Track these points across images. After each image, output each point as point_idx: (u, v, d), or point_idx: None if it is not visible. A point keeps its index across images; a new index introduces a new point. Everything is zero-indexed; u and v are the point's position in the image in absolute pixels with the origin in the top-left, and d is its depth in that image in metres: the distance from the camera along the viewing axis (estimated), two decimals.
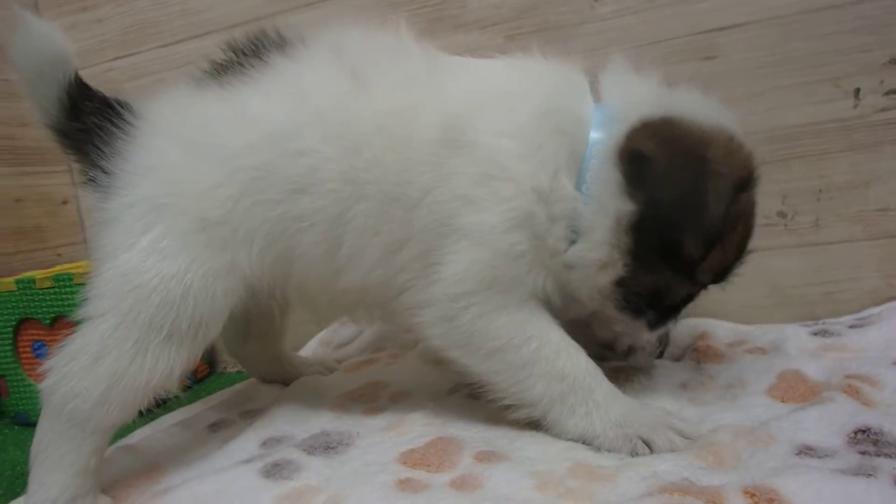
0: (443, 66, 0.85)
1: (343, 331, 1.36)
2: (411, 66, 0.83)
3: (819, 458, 0.66)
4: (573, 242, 0.79)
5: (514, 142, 0.77)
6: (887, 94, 1.07)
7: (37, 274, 1.26)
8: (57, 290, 1.20)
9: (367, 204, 0.80)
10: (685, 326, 1.07)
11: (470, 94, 0.81)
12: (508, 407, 0.81)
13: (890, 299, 1.09)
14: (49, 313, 1.21)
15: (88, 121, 0.85)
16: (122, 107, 0.86)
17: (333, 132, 0.80)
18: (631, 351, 0.90)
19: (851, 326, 1.02)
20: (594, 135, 0.79)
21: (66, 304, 1.20)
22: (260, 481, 0.75)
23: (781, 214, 1.12)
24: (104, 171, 0.83)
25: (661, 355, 0.92)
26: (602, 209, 0.77)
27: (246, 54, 0.86)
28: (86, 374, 0.76)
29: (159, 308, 0.78)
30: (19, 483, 0.90)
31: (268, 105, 0.82)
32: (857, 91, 1.08)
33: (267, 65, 0.84)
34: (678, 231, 0.74)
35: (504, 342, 0.78)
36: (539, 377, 0.78)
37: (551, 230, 0.78)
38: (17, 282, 1.22)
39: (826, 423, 0.71)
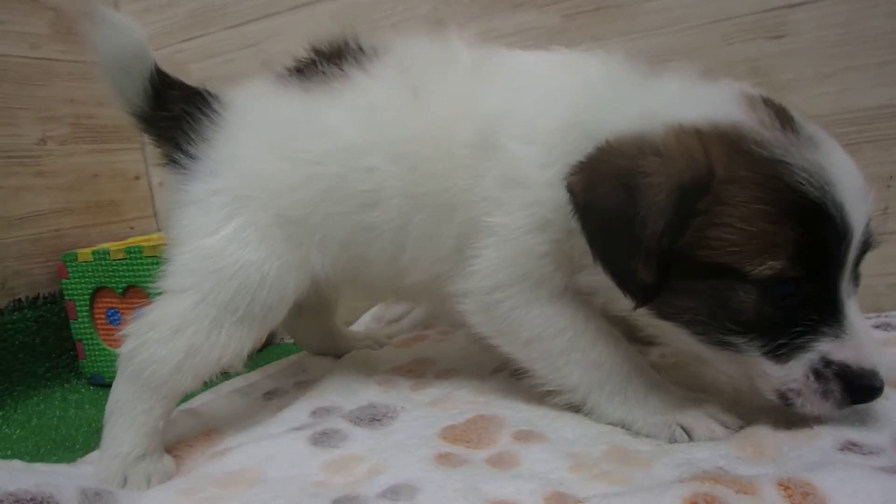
0: (487, 67, 0.87)
1: (395, 307, 1.42)
2: (457, 75, 0.86)
3: (863, 454, 0.66)
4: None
5: (536, 149, 0.79)
6: None
7: (111, 246, 1.37)
8: (129, 261, 1.30)
9: (423, 214, 0.85)
10: None
11: (506, 96, 0.83)
12: (549, 392, 0.84)
13: None
14: (122, 283, 1.31)
15: (175, 108, 0.92)
16: (211, 95, 0.93)
17: (395, 150, 0.85)
18: (784, 398, 0.70)
19: None
20: None
21: (137, 274, 1.30)
22: (309, 448, 0.81)
23: None
24: (189, 156, 0.90)
25: (853, 392, 0.67)
26: None
27: (328, 60, 0.91)
28: (165, 344, 0.84)
29: (237, 291, 0.85)
30: (94, 439, 0.96)
31: (343, 118, 0.87)
32: None
33: (345, 75, 0.89)
34: (621, 258, 0.69)
35: (538, 332, 0.82)
36: (576, 365, 0.81)
37: (570, 241, 0.78)
38: (94, 253, 1.33)
39: (875, 420, 0.70)
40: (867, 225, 0.69)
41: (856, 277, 0.71)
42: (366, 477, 0.74)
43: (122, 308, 1.33)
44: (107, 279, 1.33)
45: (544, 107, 0.80)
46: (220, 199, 0.88)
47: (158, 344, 0.84)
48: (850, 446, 0.67)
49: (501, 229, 0.80)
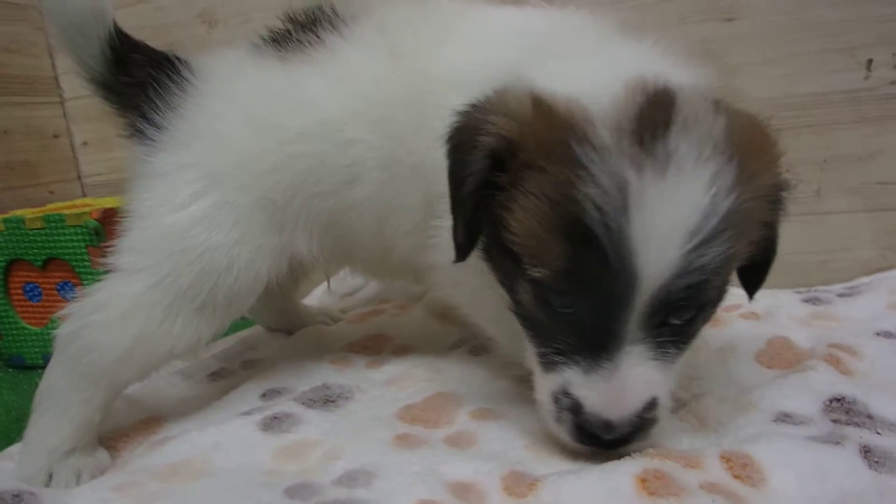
0: (457, 24, 0.83)
1: (349, 280, 1.40)
2: (430, 32, 0.82)
3: (795, 424, 0.72)
4: None
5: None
6: None
7: (27, 213, 1.26)
8: (48, 231, 1.20)
9: (397, 184, 0.82)
10: None
11: (457, 56, 0.79)
12: (510, 364, 0.85)
13: (882, 270, 1.15)
14: (41, 255, 1.22)
15: (139, 73, 0.85)
16: (181, 62, 0.86)
17: (373, 116, 0.81)
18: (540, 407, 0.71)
19: (841, 295, 1.09)
20: None
21: (58, 245, 1.21)
22: (259, 434, 0.79)
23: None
24: (155, 126, 0.83)
25: (578, 437, 0.66)
26: None
27: (303, 28, 0.86)
28: (111, 329, 0.77)
29: (199, 276, 0.79)
30: (14, 428, 0.90)
31: (321, 89, 0.82)
32: (870, 62, 1.09)
33: (322, 43, 0.84)
34: (452, 211, 0.69)
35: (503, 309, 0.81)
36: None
37: None
38: (5, 221, 1.22)
39: (805, 391, 0.77)
40: (674, 278, 0.59)
41: (679, 322, 0.64)
42: (320, 463, 0.73)
43: (43, 283, 1.25)
44: (23, 251, 1.23)
45: (480, 68, 0.76)
46: (190, 173, 0.82)
47: (103, 328, 0.77)
48: (784, 417, 0.74)
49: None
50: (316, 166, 0.83)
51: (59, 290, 1.24)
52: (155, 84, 0.85)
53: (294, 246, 0.86)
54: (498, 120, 0.64)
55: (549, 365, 0.67)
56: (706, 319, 0.69)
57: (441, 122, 0.71)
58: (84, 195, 1.59)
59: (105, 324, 0.78)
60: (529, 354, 0.72)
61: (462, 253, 0.70)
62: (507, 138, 0.64)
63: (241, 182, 0.82)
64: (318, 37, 0.85)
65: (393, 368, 0.97)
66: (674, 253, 0.58)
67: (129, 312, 0.78)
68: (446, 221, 0.72)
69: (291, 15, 0.89)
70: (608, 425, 0.64)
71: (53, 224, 1.21)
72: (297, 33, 0.86)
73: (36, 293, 1.26)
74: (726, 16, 1.13)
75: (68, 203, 1.42)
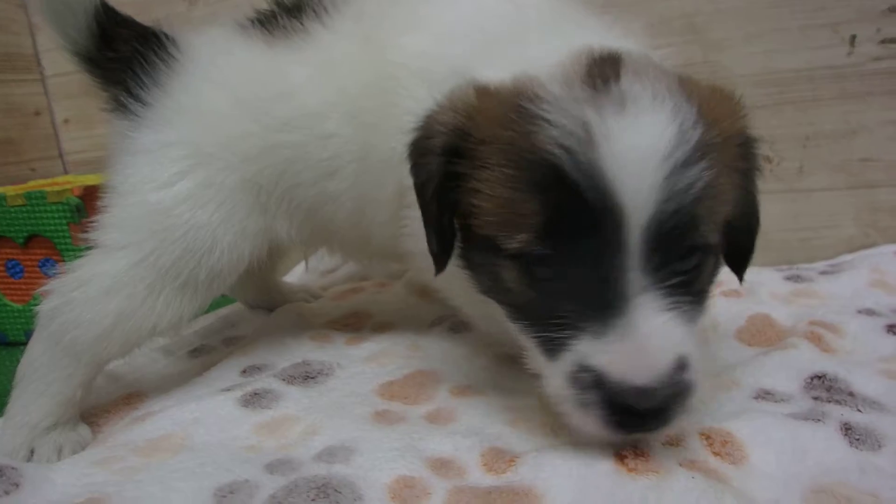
0: (424, 10, 0.81)
1: (329, 258, 1.36)
2: (402, 17, 0.80)
3: (775, 402, 0.70)
4: None
5: (429, 99, 0.69)
6: (883, 42, 1.07)
7: (8, 191, 1.22)
8: (30, 208, 1.18)
9: (372, 175, 0.80)
10: None
11: (420, 42, 0.76)
12: (490, 342, 0.84)
13: (864, 248, 1.13)
14: (22, 232, 1.19)
15: (125, 48, 0.83)
16: (168, 38, 0.83)
17: (350, 108, 0.79)
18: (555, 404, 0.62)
19: (823, 273, 1.06)
20: None
21: (39, 222, 1.18)
22: (239, 410, 0.77)
23: (767, 159, 1.13)
24: (141, 102, 0.81)
25: (612, 420, 0.56)
26: None
27: (289, 13, 0.83)
28: (93, 306, 0.75)
29: (182, 255, 0.78)
30: None
31: (304, 79, 0.80)
32: (853, 38, 1.07)
33: (306, 31, 0.81)
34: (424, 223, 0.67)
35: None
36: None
37: None
38: None
39: (786, 368, 0.75)
40: (660, 203, 0.54)
41: (683, 269, 0.57)
42: (300, 439, 0.72)
43: (24, 260, 1.22)
44: (4, 228, 1.20)
45: (438, 58, 0.74)
46: (176, 151, 0.79)
47: (85, 305, 0.75)
48: (764, 394, 0.72)
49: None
50: (297, 157, 0.81)
51: (41, 267, 1.21)
52: (141, 59, 0.82)
53: (275, 230, 0.84)
54: (445, 118, 0.63)
55: (553, 349, 0.57)
56: (711, 273, 0.63)
57: (405, 113, 0.70)
58: (66, 172, 1.56)
59: (87, 300, 0.76)
60: (530, 352, 0.63)
61: (439, 263, 0.67)
62: (457, 128, 0.62)
63: (227, 163, 0.80)
64: (301, 24, 0.82)
65: (373, 345, 0.95)
66: (651, 177, 0.54)
67: (111, 289, 0.76)
68: (415, 212, 0.70)
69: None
70: (641, 391, 0.53)
71: (35, 201, 1.17)
72: (282, 17, 0.83)
73: (18, 270, 1.23)
74: None
75: (50, 180, 1.38)
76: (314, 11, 0.82)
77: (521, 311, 0.62)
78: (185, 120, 0.80)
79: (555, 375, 0.58)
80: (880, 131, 1.11)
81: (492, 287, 0.64)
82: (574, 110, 0.56)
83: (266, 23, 0.84)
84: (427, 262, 0.69)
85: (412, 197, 0.69)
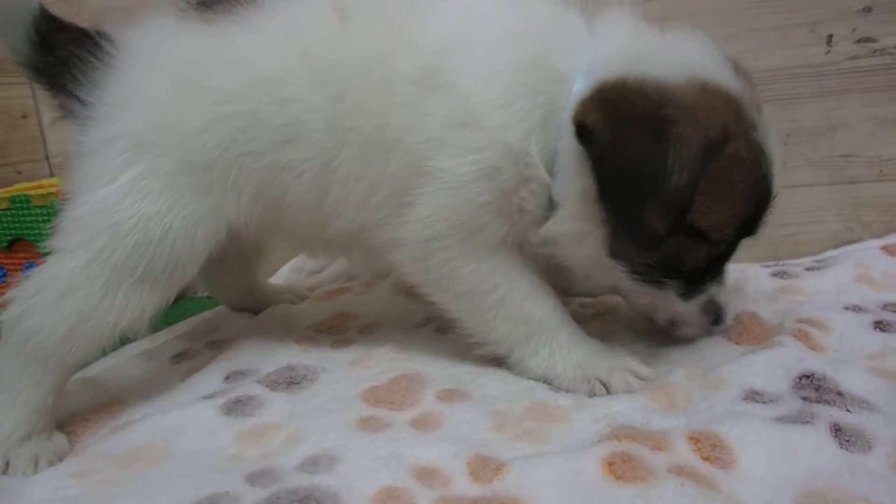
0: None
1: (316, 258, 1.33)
2: (394, 3, 0.78)
3: (764, 403, 0.67)
4: (550, 209, 0.75)
5: (491, 89, 0.71)
6: (859, 41, 1.06)
7: None
8: (14, 211, 1.14)
9: (350, 151, 0.77)
10: None
11: (453, 32, 0.75)
12: (475, 343, 0.81)
13: (849, 243, 1.10)
14: (6, 235, 1.16)
15: (62, 52, 0.79)
16: (101, 37, 0.80)
17: (319, 78, 0.75)
18: (673, 325, 0.80)
19: (809, 269, 1.03)
20: (572, 100, 0.71)
21: (23, 226, 1.15)
22: (221, 418, 0.74)
23: None
24: (82, 103, 0.78)
25: (716, 322, 0.80)
26: (569, 181, 0.72)
27: None
28: (52, 310, 0.73)
29: (135, 248, 0.75)
30: None
31: (255, 47, 0.76)
32: (830, 37, 1.06)
33: (255, 2, 0.78)
34: (638, 200, 0.66)
35: (471, 287, 0.78)
36: (504, 319, 0.78)
37: (519, 190, 0.74)
38: None
39: (774, 367, 0.72)
40: None
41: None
42: (283, 447, 0.68)
43: (8, 264, 1.18)
44: None
45: (498, 46, 0.73)
46: (117, 145, 0.76)
47: (45, 310, 0.73)
48: (753, 395, 0.69)
49: (444, 175, 0.73)
50: (248, 125, 0.77)
51: (24, 271, 1.15)
52: (77, 61, 0.78)
53: (223, 209, 0.80)
54: (699, 112, 0.66)
55: (690, 294, 0.77)
56: None
57: (442, 101, 0.71)
58: (52, 174, 1.52)
59: (46, 305, 0.73)
60: (657, 297, 0.77)
61: (656, 244, 0.69)
62: (718, 130, 0.66)
63: (165, 146, 0.77)
64: None
65: (358, 348, 0.91)
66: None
67: (68, 291, 0.74)
68: (428, 195, 0.73)
69: None
70: (727, 314, 0.81)
71: (19, 205, 1.14)
72: None
73: (1, 274, 1.18)
74: None
75: (35, 183, 1.34)
76: None
77: (682, 274, 0.75)
78: (124, 112, 0.77)
79: (690, 306, 0.78)
80: (860, 127, 1.09)
81: (667, 258, 0.72)
82: (768, 140, 0.70)
83: (207, 3, 0.81)
84: (418, 252, 0.77)
85: (433, 185, 0.73)
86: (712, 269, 0.76)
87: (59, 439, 0.76)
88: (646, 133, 0.65)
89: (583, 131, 0.68)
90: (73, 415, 0.81)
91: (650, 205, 0.65)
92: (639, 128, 0.66)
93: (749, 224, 0.72)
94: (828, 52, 1.07)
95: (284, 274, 1.31)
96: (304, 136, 0.76)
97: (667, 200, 0.65)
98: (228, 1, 0.79)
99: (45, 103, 1.48)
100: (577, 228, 0.73)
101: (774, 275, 1.02)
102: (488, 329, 0.79)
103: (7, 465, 0.71)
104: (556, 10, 0.77)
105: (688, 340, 0.82)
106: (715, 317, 0.79)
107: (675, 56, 0.70)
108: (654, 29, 0.76)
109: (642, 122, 0.65)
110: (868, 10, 1.04)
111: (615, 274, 0.75)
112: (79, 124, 0.78)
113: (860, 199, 1.11)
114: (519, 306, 0.78)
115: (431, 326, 0.95)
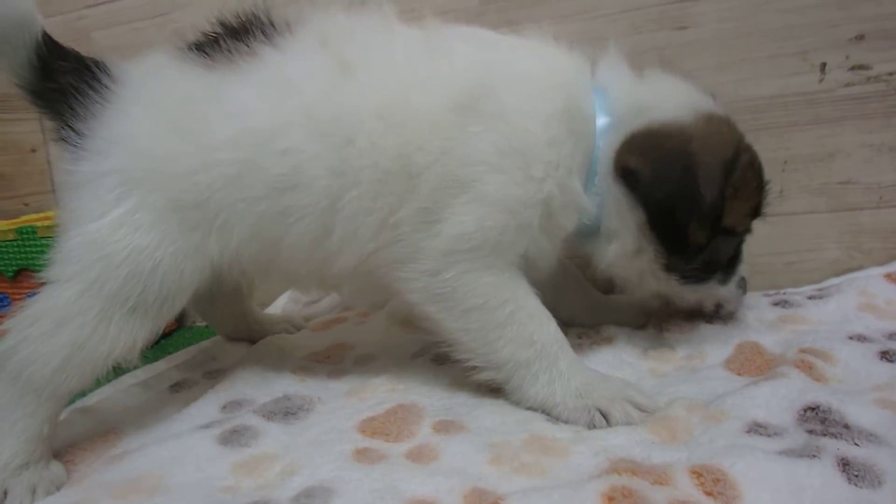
0: (443, 38, 0.82)
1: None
2: (403, 44, 0.80)
3: (768, 436, 0.64)
4: (587, 228, 0.84)
5: (542, 129, 0.76)
6: (852, 69, 1.05)
7: (1, 225, 1.19)
8: (20, 242, 1.14)
9: (361, 188, 0.76)
10: None
11: (487, 67, 0.79)
12: (472, 369, 0.79)
13: (850, 271, 1.08)
14: (12, 266, 1.15)
15: (62, 80, 0.80)
16: (100, 69, 0.80)
17: (320, 129, 0.76)
18: (718, 308, 0.92)
19: (811, 297, 1.00)
20: (600, 142, 0.82)
21: (29, 257, 1.14)
22: (217, 448, 0.72)
23: None
24: (78, 133, 0.78)
25: (744, 292, 0.94)
26: (619, 216, 0.82)
27: (235, 36, 0.80)
28: (46, 340, 0.73)
29: (126, 280, 0.75)
30: None
31: (252, 99, 0.77)
32: (824, 65, 1.05)
33: (254, 53, 0.78)
34: (682, 223, 0.79)
35: (482, 301, 0.77)
36: (508, 340, 0.77)
37: (562, 212, 0.80)
38: None
39: (777, 399, 0.69)
40: None
41: None
42: (278, 479, 0.66)
43: (13, 293, 1.17)
44: None
45: (538, 89, 0.78)
46: (111, 180, 0.77)
47: (39, 340, 0.73)
48: (756, 427, 0.66)
49: (498, 198, 0.75)
50: (242, 173, 0.77)
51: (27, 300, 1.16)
52: (75, 91, 0.79)
53: (207, 248, 0.79)
54: (712, 141, 0.80)
55: (726, 279, 0.89)
56: None
57: (486, 129, 0.75)
58: (58, 206, 1.52)
59: (40, 335, 0.73)
60: (703, 291, 0.88)
61: (698, 253, 0.82)
62: (730, 150, 0.80)
63: (155, 184, 0.77)
64: (248, 45, 0.79)
65: (354, 378, 0.89)
66: None
67: (62, 321, 0.73)
68: (468, 213, 0.75)
69: (222, 19, 0.82)
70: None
71: (26, 236, 1.14)
72: (226, 40, 0.80)
73: (6, 303, 1.18)
74: (678, 24, 1.09)
75: (41, 214, 1.35)
76: (263, 34, 0.80)
77: (721, 266, 0.87)
78: (117, 147, 0.78)
79: (728, 286, 0.90)
80: (857, 154, 1.08)
81: (710, 258, 0.84)
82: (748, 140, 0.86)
83: (208, 46, 0.81)
84: (433, 263, 0.77)
85: (476, 205, 0.75)
86: (738, 252, 0.89)
87: (57, 468, 0.75)
88: (678, 167, 0.78)
89: (626, 173, 0.80)
90: (72, 444, 0.80)
91: (692, 226, 0.79)
92: (672, 164, 0.79)
93: (758, 208, 0.85)
94: (821, 80, 1.06)
95: (281, 304, 1.30)
96: (306, 184, 0.76)
97: (703, 217, 0.78)
98: (226, 47, 0.79)
99: (53, 138, 1.51)
100: (633, 250, 0.83)
101: (776, 304, 0.99)
102: (491, 350, 0.77)
103: (5, 494, 0.71)
104: (570, 54, 0.84)
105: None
106: (743, 287, 0.92)
107: (677, 98, 0.83)
108: (637, 72, 0.87)
109: (674, 159, 0.78)
110: (861, 37, 1.03)
111: (667, 281, 0.85)
112: (72, 153, 0.78)
113: (860, 227, 1.09)
114: (525, 325, 0.77)
115: (427, 357, 0.93)
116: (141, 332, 0.77)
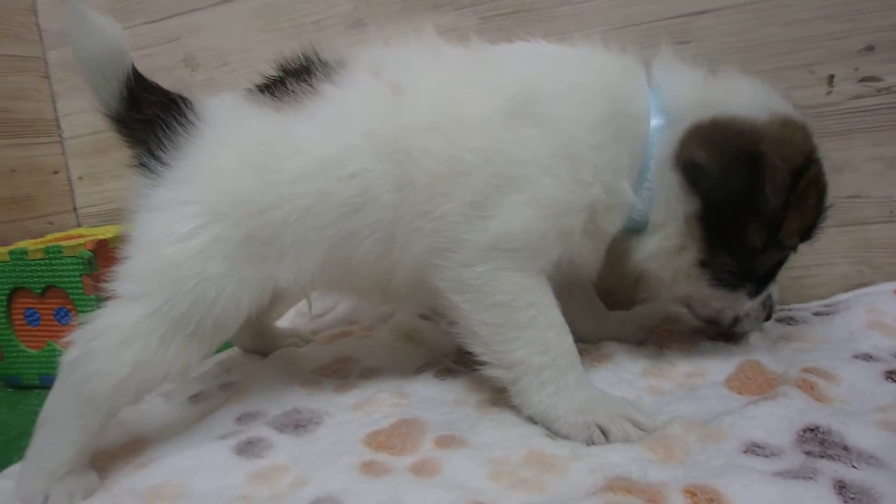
0: (488, 53, 0.87)
1: (320, 301, 1.34)
2: (450, 62, 0.85)
3: (765, 456, 0.65)
4: (633, 229, 0.84)
5: (589, 134, 0.78)
6: (861, 81, 1.03)
7: (28, 245, 1.24)
8: (47, 261, 1.19)
9: (415, 195, 0.80)
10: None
11: (534, 77, 0.81)
12: (484, 363, 0.80)
13: (858, 286, 1.06)
14: (40, 283, 1.20)
15: (149, 112, 0.85)
16: (186, 104, 0.86)
17: (384, 149, 0.80)
18: (737, 321, 0.90)
19: (817, 314, 1.00)
20: (653, 139, 0.81)
21: (56, 274, 1.19)
22: (233, 458, 0.75)
23: None
24: (160, 162, 0.82)
25: (768, 317, 0.91)
26: (668, 206, 0.81)
27: (296, 77, 0.85)
28: (111, 357, 0.75)
29: (192, 306, 0.78)
30: (12, 447, 0.88)
31: (318, 134, 0.81)
32: (831, 78, 1.04)
33: (315, 91, 0.83)
34: (741, 223, 0.78)
35: (509, 299, 0.78)
36: (525, 343, 0.78)
37: (606, 215, 0.81)
38: (10, 253, 1.21)
39: (777, 419, 0.69)
40: None
41: None
42: (290, 489, 0.69)
43: (41, 309, 1.22)
44: (24, 279, 1.20)
45: (585, 95, 0.79)
46: (191, 209, 0.80)
47: (104, 356, 0.75)
48: (754, 448, 0.66)
49: (546, 199, 0.77)
50: (314, 203, 0.81)
51: (55, 316, 1.21)
52: (162, 123, 0.83)
53: (275, 278, 0.83)
54: (785, 145, 0.78)
55: (755, 293, 0.86)
56: None
57: (537, 132, 0.77)
58: (79, 224, 1.60)
59: (105, 351, 0.75)
60: (729, 299, 0.87)
61: (753, 257, 0.81)
62: (802, 158, 0.79)
63: (236, 220, 0.81)
64: (310, 85, 0.83)
65: (360, 392, 0.91)
66: None
67: (127, 339, 0.76)
68: (516, 214, 0.76)
69: (283, 63, 0.88)
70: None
71: (52, 255, 1.19)
72: (289, 82, 0.84)
73: (34, 318, 1.23)
74: (680, 39, 1.09)
75: (64, 233, 1.41)
76: (321, 72, 0.84)
77: (757, 277, 0.85)
78: (199, 180, 0.82)
79: (755, 301, 0.87)
80: (866, 168, 1.06)
81: (749, 265, 0.83)
82: (822, 158, 0.83)
83: (273, 87, 0.86)
84: (472, 255, 0.78)
85: (527, 206, 0.76)
86: (777, 270, 0.87)
87: (92, 476, 0.77)
88: (746, 166, 0.76)
89: (688, 163, 0.78)
90: (103, 452, 0.82)
91: (752, 226, 0.77)
92: (738, 160, 0.76)
93: (812, 228, 0.83)
94: (829, 93, 1.05)
95: (291, 317, 1.33)
96: (372, 202, 0.80)
97: (765, 220, 0.77)
98: (293, 89, 0.83)
99: (73, 160, 1.59)
100: (675, 244, 0.82)
101: (780, 321, 0.98)
102: (506, 349, 0.79)
103: (46, 499, 0.74)
104: (619, 58, 0.85)
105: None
106: (768, 311, 0.90)
107: (751, 96, 0.81)
108: (708, 71, 0.86)
109: (741, 155, 0.76)
110: (870, 49, 1.02)
111: (698, 283, 0.85)
112: (150, 179, 0.82)
113: (870, 241, 1.07)
114: (543, 332, 0.78)
115: (431, 371, 0.94)
116: (195, 356, 0.80)
